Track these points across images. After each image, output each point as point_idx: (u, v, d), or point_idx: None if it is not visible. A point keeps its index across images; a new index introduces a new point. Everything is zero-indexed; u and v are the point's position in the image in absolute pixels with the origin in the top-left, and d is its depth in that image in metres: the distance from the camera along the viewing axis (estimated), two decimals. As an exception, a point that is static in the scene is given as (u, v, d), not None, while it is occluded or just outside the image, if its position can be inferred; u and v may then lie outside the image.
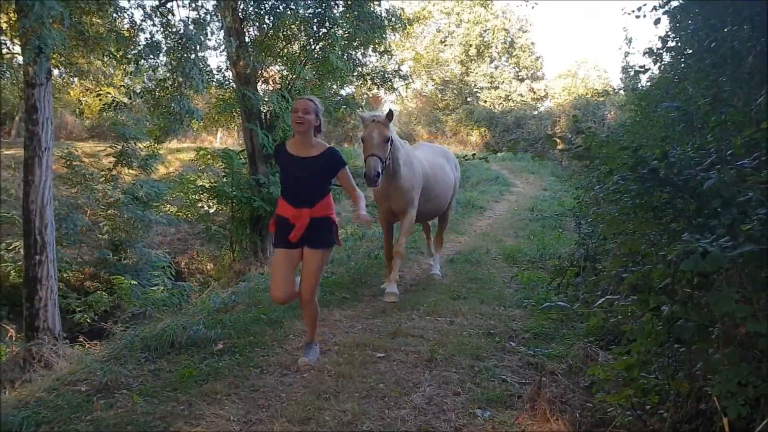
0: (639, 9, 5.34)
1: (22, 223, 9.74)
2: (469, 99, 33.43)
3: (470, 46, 33.12)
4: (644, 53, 5.45)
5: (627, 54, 12.89)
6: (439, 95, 34.83)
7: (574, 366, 4.22)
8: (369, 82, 17.02)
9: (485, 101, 31.96)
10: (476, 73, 33.36)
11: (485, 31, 33.35)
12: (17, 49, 11.26)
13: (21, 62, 10.79)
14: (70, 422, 3.58)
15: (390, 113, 6.28)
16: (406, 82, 19.30)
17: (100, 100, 15.80)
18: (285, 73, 15.01)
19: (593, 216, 6.61)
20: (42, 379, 4.96)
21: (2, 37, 11.45)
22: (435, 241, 8.25)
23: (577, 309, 3.39)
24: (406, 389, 4.18)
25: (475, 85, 33.61)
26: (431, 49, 34.18)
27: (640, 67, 5.38)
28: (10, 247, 12.86)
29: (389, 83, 17.34)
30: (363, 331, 5.52)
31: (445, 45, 34.14)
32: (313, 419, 3.68)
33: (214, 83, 14.26)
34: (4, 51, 11.59)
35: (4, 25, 11.46)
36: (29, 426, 3.50)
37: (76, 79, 18.99)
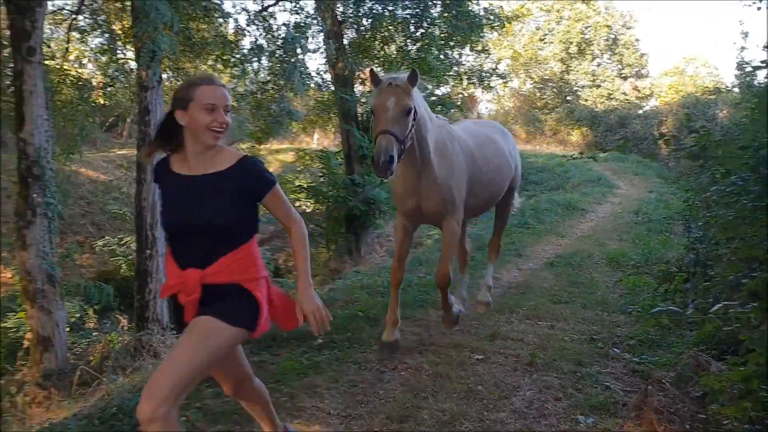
0: (760, 0, 5.03)
1: (133, 219, 10.29)
2: (569, 98, 32.54)
3: (571, 43, 32.20)
4: (765, 47, 5.11)
5: (743, 49, 12.11)
6: (538, 94, 34.09)
7: (684, 375, 4.02)
8: (465, 81, 16.90)
9: (586, 100, 31.02)
10: (577, 71, 32.39)
11: (587, 28, 32.36)
12: (129, 54, 11.94)
13: (132, 67, 11.43)
14: (180, 408, 3.74)
15: (414, 74, 4.37)
16: (504, 80, 19.05)
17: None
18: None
19: (704, 219, 6.27)
20: (153, 366, 5.24)
21: (118, 43, 12.18)
22: (490, 248, 6.51)
23: (691, 315, 3.23)
24: (505, 392, 4.13)
25: (575, 83, 32.68)
26: (530, 47, 33.48)
27: (762, 61, 5.05)
28: (122, 242, 13.65)
29: (486, 82, 17.16)
30: (460, 332, 5.47)
31: (545, 42, 33.39)
32: (411, 417, 3.70)
33: (313, 86, 14.60)
34: (119, 56, 12.32)
35: (119, 32, 12.18)
36: (143, 410, 3.69)
37: (182, 83, 19.94)
